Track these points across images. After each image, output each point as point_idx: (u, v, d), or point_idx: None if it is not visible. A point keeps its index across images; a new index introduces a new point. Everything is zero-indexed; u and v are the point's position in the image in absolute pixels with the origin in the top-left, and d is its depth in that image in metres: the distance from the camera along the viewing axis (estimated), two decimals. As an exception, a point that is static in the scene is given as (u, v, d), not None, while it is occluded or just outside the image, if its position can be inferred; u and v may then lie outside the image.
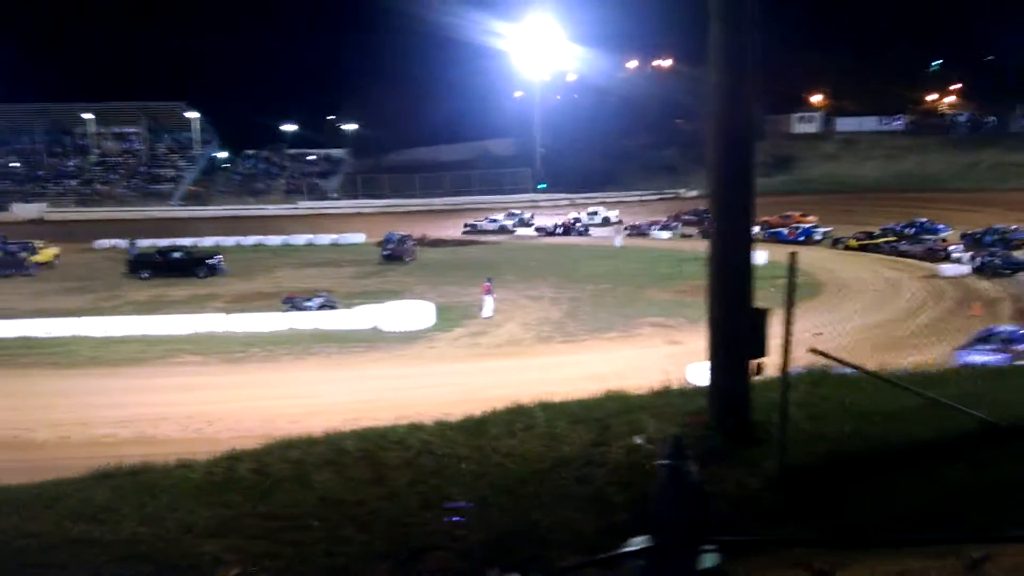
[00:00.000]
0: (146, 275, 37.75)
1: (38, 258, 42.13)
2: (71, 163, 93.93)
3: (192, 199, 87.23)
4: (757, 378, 7.40)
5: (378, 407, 15.86)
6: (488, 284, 27.76)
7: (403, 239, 44.12)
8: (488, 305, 27.17)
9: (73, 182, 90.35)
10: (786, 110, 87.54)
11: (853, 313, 25.05)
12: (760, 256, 26.08)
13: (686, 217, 53.85)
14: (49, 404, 18.92)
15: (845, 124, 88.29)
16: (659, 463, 2.72)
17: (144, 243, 46.27)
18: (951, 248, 38.81)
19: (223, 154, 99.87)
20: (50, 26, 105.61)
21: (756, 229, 49.24)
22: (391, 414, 11.48)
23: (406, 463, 7.20)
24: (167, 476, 7.38)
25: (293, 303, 27.73)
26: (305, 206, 79.17)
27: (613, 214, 61.75)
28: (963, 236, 41.73)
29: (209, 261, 38.93)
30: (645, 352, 21.95)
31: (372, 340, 24.36)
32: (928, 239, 41.65)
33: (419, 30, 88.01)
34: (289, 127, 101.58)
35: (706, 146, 7.79)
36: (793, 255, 6.35)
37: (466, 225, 58.67)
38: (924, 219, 46.40)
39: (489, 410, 8.81)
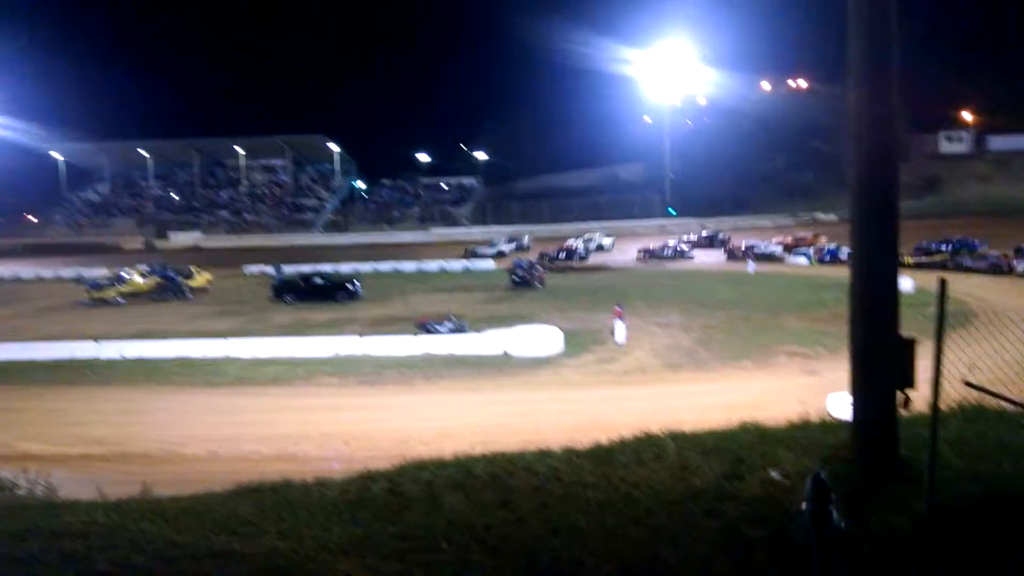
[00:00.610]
0: (290, 299, 39.69)
1: (194, 283, 45.09)
2: (223, 194, 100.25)
3: (333, 227, 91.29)
4: (904, 412, 6.97)
5: (507, 431, 15.98)
6: (619, 309, 27.54)
7: (532, 265, 44.51)
8: (620, 331, 26.95)
9: (225, 212, 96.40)
10: (932, 128, 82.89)
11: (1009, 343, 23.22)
12: (905, 283, 24.67)
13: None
14: (201, 420, 20.10)
15: (999, 143, 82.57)
16: (801, 508, 2.59)
17: (289, 269, 48.78)
18: (1014, 262, 38.47)
19: (361, 184, 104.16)
20: (206, 68, 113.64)
21: (779, 250, 50.30)
22: (519, 439, 11.54)
23: (534, 489, 7.20)
24: (305, 493, 7.67)
25: (425, 327, 28.40)
26: (438, 233, 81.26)
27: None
28: (1017, 250, 40.61)
29: (348, 286, 40.51)
30: (781, 382, 21.13)
31: (501, 365, 24.60)
32: (992, 254, 40.64)
33: (549, 60, 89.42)
34: (423, 157, 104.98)
35: (847, 168, 7.48)
36: (943, 281, 5.96)
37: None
38: (959, 236, 46.04)
39: (617, 438, 8.70)
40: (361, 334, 28.36)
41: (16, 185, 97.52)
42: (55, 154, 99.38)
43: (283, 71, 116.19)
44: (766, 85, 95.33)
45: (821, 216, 70.93)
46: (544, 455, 8.22)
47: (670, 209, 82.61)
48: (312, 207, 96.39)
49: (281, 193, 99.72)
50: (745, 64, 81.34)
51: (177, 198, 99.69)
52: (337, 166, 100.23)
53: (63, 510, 7.47)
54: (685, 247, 57.31)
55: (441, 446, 12.58)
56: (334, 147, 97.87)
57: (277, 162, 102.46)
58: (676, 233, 68.05)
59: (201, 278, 46.32)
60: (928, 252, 43.95)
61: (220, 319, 35.75)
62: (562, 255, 56.40)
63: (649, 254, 56.11)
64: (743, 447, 7.86)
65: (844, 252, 48.37)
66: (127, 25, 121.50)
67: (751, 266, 46.39)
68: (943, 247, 44.47)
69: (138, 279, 43.84)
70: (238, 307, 39.19)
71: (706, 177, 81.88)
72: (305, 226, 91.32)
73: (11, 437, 19.20)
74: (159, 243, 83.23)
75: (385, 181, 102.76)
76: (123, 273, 45.13)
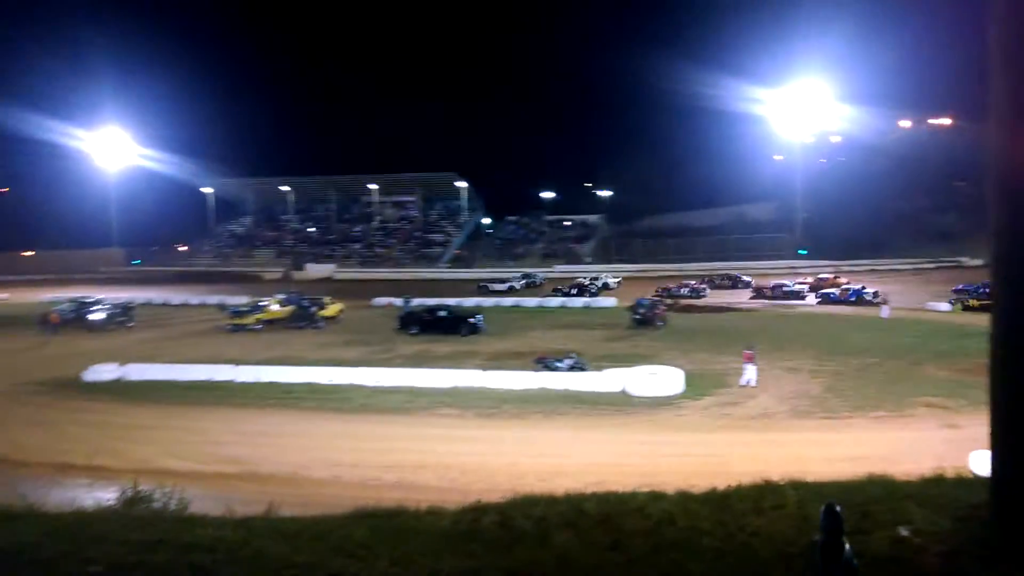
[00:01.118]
0: (415, 331, 40.70)
1: (326, 313, 46.94)
2: (357, 228, 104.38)
3: (458, 262, 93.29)
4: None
5: (622, 471, 15.74)
6: (750, 352, 26.70)
7: (654, 304, 43.97)
8: (751, 374, 26.17)
9: (357, 245, 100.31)
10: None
11: None
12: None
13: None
14: (327, 444, 20.79)
15: None
16: (814, 540, 2.45)
17: (416, 301, 50.13)
18: None
19: (487, 220, 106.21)
20: (345, 110, 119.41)
21: (805, 289, 52.95)
22: (634, 480, 11.34)
23: (646, 532, 7.06)
24: (418, 521, 7.81)
25: (545, 363, 28.46)
26: (560, 270, 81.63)
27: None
28: None
29: (470, 320, 41.16)
30: (917, 435, 19.90)
31: (620, 404, 24.31)
32: None
33: (676, 100, 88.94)
34: (548, 194, 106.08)
35: (990, 209, 7.06)
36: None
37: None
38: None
39: (735, 484, 8.43)
40: (482, 368, 28.71)
41: (170, 217, 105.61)
42: (206, 189, 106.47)
43: (416, 111, 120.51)
44: (905, 123, 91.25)
45: (967, 261, 66.96)
46: (658, 497, 8.07)
47: (801, 250, 79.93)
48: (439, 242, 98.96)
49: (411, 228, 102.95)
50: (882, 100, 78.37)
51: (314, 231, 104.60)
52: (465, 203, 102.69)
53: (194, 524, 7.88)
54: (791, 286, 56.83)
55: (555, 483, 12.54)
56: (462, 184, 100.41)
57: (408, 198, 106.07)
58: (805, 274, 65.87)
59: (333, 308, 48.16)
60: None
61: (348, 348, 37.01)
62: (574, 291, 60.45)
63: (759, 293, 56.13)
64: (871, 501, 7.46)
65: (869, 292, 50.84)
66: (273, 72, 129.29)
67: (885, 311, 44.15)
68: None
69: (275, 307, 46.05)
70: (366, 337, 40.47)
71: (840, 218, 78.79)
72: (431, 260, 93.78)
73: (153, 453, 20.44)
74: (296, 274, 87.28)
75: (510, 218, 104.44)
76: (261, 301, 47.57)
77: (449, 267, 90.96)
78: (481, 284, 65.83)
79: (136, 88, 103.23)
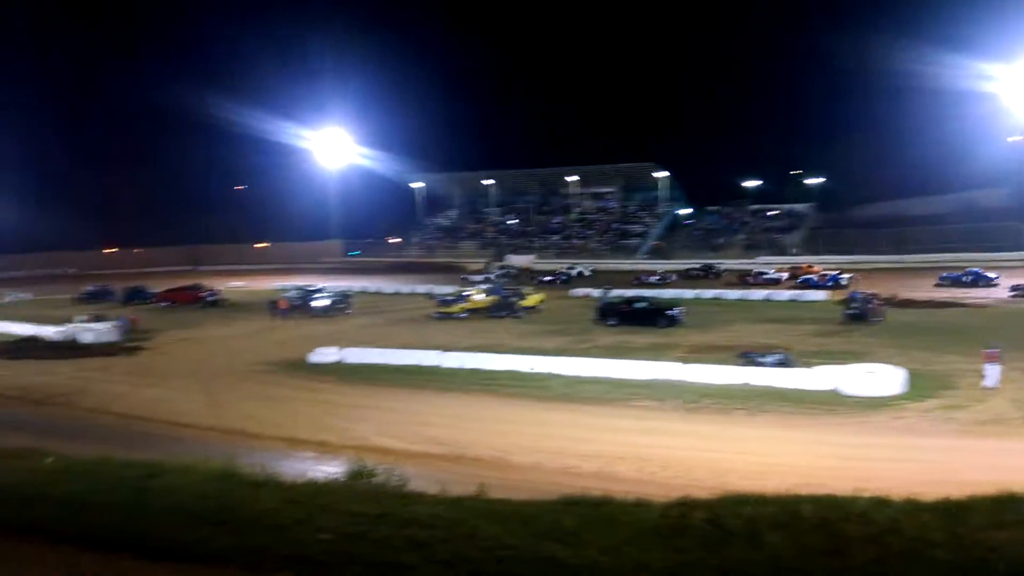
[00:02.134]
0: (613, 322, 40.64)
1: (526, 303, 47.97)
2: (556, 220, 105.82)
3: (655, 253, 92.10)
4: None
5: (834, 475, 14.87)
6: (993, 352, 24.23)
7: (868, 298, 41.14)
8: (993, 375, 23.85)
9: (556, 237, 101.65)
10: None
11: None
12: None
13: None
14: (527, 431, 21.26)
15: None
16: None
17: (613, 292, 50.07)
18: None
19: (686, 211, 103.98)
20: (545, 104, 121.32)
21: (784, 276, 56.48)
22: (848, 484, 10.67)
23: (869, 539, 6.62)
24: (625, 512, 7.79)
25: (749, 358, 27.46)
26: (763, 261, 78.32)
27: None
28: None
29: (669, 312, 40.50)
30: None
31: (831, 403, 22.98)
32: None
33: (891, 80, 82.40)
34: (752, 183, 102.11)
35: None
36: None
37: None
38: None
39: (970, 494, 7.72)
40: (683, 361, 28.19)
41: (383, 211, 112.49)
42: (415, 184, 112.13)
43: (616, 102, 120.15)
44: None
45: None
46: (881, 503, 7.55)
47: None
48: (637, 233, 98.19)
49: (608, 219, 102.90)
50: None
51: (515, 223, 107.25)
52: (664, 193, 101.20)
53: (412, 501, 8.32)
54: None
55: (762, 482, 12.07)
56: (662, 175, 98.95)
57: (607, 189, 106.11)
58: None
59: (533, 298, 49.14)
60: None
61: (548, 337, 37.59)
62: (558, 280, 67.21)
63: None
64: None
65: (844, 278, 56.55)
66: (476, 69, 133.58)
67: None
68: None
69: (479, 297, 47.71)
70: (564, 327, 40.93)
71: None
72: (629, 251, 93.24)
73: (369, 431, 21.84)
74: (497, 264, 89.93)
75: (711, 208, 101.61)
76: (466, 291, 49.47)
77: (647, 258, 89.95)
78: (463, 276, 69.90)
79: (354, 90, 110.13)
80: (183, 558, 7.45)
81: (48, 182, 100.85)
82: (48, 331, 40.33)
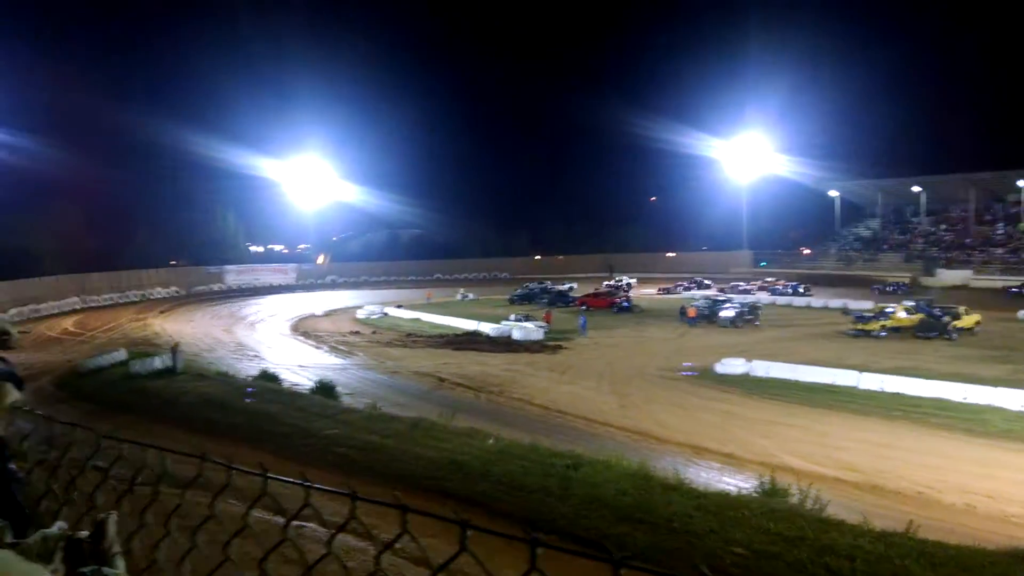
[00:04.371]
0: (1075, 352, 34.54)
1: (960, 323, 42.80)
2: (999, 231, 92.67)
3: None
4: None
5: None
6: None
7: None
8: None
9: (1000, 250, 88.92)
10: None
11: None
12: None
13: None
14: (956, 468, 19.04)
15: None
16: None
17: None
18: None
19: None
20: (991, 96, 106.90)
21: (755, 288, 53.88)
22: None
23: None
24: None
25: None
26: None
27: None
28: None
29: None
30: None
31: None
32: None
33: None
34: None
35: None
36: None
37: None
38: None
39: None
40: None
41: (796, 221, 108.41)
42: (832, 192, 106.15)
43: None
44: None
45: None
46: None
47: None
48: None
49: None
50: None
51: (948, 235, 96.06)
52: None
53: (831, 527, 8.00)
54: None
55: None
56: None
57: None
58: None
59: (969, 319, 43.67)
60: None
61: (985, 364, 33.13)
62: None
63: None
64: None
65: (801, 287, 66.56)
66: (910, 65, 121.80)
67: None
68: None
69: (902, 314, 43.74)
70: (1008, 353, 35.76)
71: None
72: (1099, 269, 77.98)
73: (775, 448, 21.32)
74: (925, 280, 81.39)
75: None
76: (888, 307, 45.65)
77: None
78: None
79: (774, 93, 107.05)
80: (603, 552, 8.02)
81: (486, 196, 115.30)
82: (487, 327, 45.91)
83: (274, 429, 19.02)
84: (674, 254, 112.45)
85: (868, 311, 46.76)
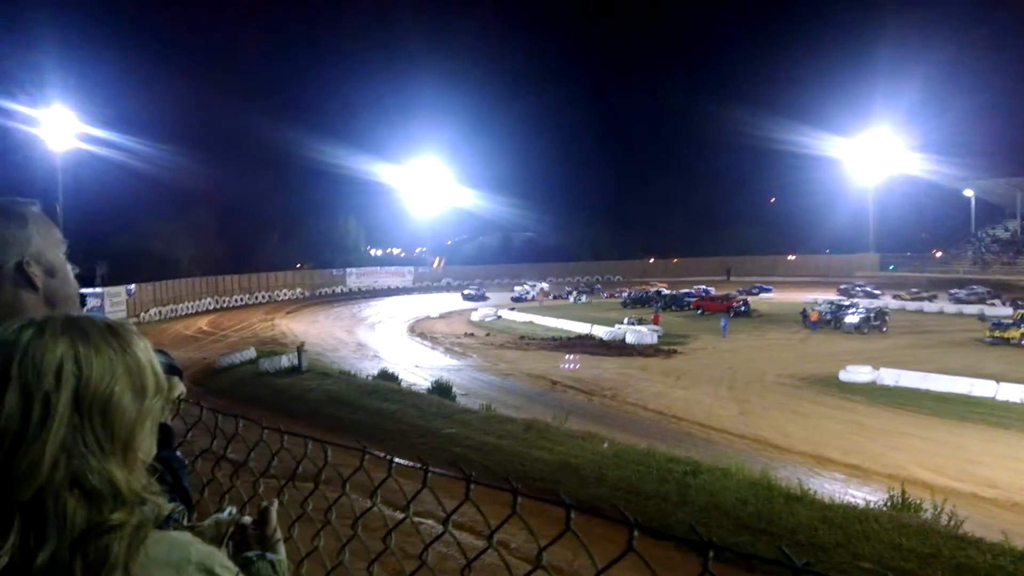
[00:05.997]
0: None
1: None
2: None
3: None
4: None
5: None
6: None
7: None
8: None
9: None
10: None
11: None
12: None
13: None
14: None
15: None
16: None
17: None
18: None
19: None
20: None
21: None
22: None
23: None
24: None
25: None
26: None
27: None
28: None
29: None
30: None
31: None
32: None
33: None
34: None
35: None
36: None
37: None
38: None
39: None
40: None
41: (928, 222, 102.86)
42: (967, 192, 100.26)
43: None
44: None
45: None
46: None
47: None
48: None
49: None
50: None
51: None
52: None
53: (968, 545, 7.63)
54: None
55: None
56: None
57: None
58: None
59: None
60: None
61: None
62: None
63: None
64: None
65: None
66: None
67: None
68: None
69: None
70: None
71: None
72: None
73: (904, 459, 20.35)
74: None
75: None
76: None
77: None
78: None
79: (909, 89, 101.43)
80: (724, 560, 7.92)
81: (598, 198, 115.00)
82: (599, 330, 45.74)
83: (394, 427, 19.63)
84: (795, 257, 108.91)
85: (1007, 318, 43.94)
